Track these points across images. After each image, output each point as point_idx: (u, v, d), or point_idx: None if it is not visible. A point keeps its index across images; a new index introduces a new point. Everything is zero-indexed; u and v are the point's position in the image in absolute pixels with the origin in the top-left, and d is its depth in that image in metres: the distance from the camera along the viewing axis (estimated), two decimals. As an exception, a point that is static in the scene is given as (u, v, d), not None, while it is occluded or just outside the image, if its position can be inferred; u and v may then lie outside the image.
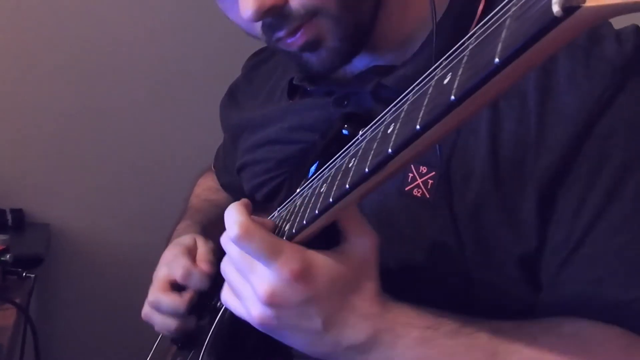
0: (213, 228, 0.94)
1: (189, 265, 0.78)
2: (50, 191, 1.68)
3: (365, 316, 0.55)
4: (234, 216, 0.55)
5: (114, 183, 1.74)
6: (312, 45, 0.64)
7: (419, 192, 0.64)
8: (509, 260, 0.62)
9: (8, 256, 1.26)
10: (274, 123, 0.82)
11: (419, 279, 0.65)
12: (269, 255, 0.53)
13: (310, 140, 0.75)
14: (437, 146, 0.62)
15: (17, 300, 1.21)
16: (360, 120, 0.63)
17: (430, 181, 0.63)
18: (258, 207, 0.87)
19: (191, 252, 0.81)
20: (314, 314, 0.54)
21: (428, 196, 0.63)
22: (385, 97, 0.68)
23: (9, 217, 1.60)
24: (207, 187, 1.10)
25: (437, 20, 0.66)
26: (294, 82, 0.79)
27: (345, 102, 0.72)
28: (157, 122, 1.75)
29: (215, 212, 1.01)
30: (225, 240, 0.57)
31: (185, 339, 0.82)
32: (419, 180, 0.64)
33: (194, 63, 1.75)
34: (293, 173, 0.74)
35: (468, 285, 0.64)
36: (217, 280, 0.86)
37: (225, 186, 1.06)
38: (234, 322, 0.71)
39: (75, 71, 1.66)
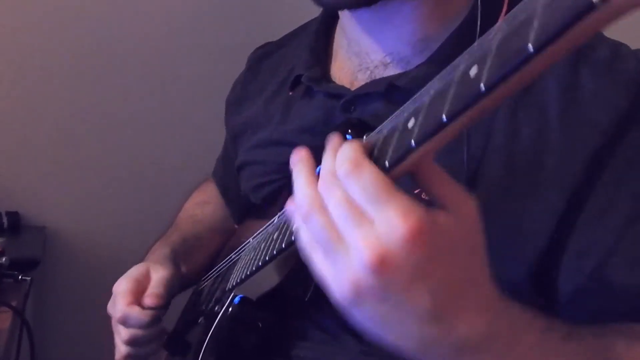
0: (188, 246, 0.97)
1: (124, 309, 0.81)
2: (46, 194, 1.68)
3: (484, 308, 0.45)
4: (346, 152, 0.45)
5: (110, 186, 1.73)
6: None
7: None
8: (516, 265, 0.62)
9: (4, 259, 1.25)
10: (276, 124, 0.82)
11: None
12: (385, 196, 0.42)
13: (312, 144, 0.75)
14: (467, 146, 0.62)
15: (13, 304, 1.20)
16: (365, 126, 0.63)
17: None
18: (255, 211, 0.87)
19: (140, 285, 0.83)
20: (426, 290, 0.42)
21: None
22: (397, 99, 0.68)
23: (5, 219, 1.59)
24: (197, 201, 1.11)
25: (459, 24, 0.67)
26: (302, 80, 0.78)
27: (353, 107, 0.72)
28: (154, 125, 1.75)
29: (193, 228, 1.02)
30: (325, 185, 0.45)
31: (177, 345, 0.82)
32: None
33: (192, 68, 1.74)
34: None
35: None
36: (210, 287, 0.86)
37: (223, 189, 1.06)
38: (234, 326, 0.72)
39: (72, 74, 1.66)
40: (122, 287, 0.83)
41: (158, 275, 0.84)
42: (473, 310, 0.45)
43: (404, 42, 0.70)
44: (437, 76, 0.43)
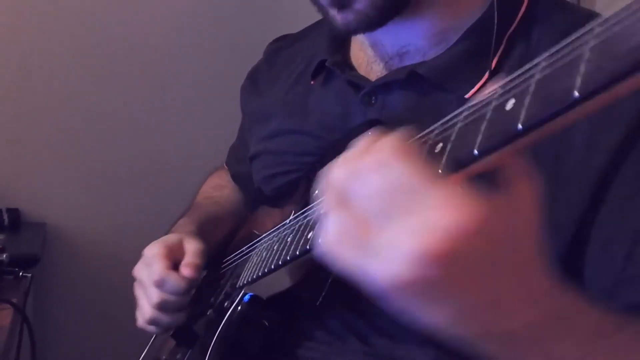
0: (210, 226, 0.95)
1: (162, 270, 0.77)
2: (47, 191, 1.68)
3: (539, 294, 0.42)
4: (389, 139, 0.40)
5: (110, 183, 1.73)
6: (341, 1, 0.65)
7: None
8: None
9: (4, 256, 1.25)
10: (292, 113, 0.81)
11: None
12: (436, 184, 0.37)
13: (329, 137, 0.74)
14: None
15: (14, 300, 1.20)
16: (385, 127, 0.62)
17: None
18: (268, 201, 0.86)
19: (173, 252, 0.80)
20: (475, 285, 0.39)
21: None
22: (417, 88, 0.68)
23: (5, 216, 1.59)
24: (213, 184, 1.09)
25: (478, 18, 0.67)
26: (326, 64, 0.77)
27: (373, 99, 0.71)
28: (155, 122, 1.75)
29: (213, 209, 1.01)
30: (367, 168, 0.39)
31: (183, 334, 0.82)
32: None
33: (194, 66, 1.74)
34: (310, 174, 0.73)
35: None
36: (219, 277, 0.86)
37: (235, 177, 1.05)
38: (242, 325, 0.71)
39: (73, 71, 1.66)
40: (155, 250, 0.80)
41: (194, 246, 0.81)
42: (526, 300, 0.42)
43: (419, 36, 0.70)
44: (469, 105, 0.41)
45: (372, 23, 0.66)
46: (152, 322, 0.81)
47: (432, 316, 0.41)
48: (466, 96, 0.64)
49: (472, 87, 0.64)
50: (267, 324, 0.70)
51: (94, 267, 1.75)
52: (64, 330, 1.74)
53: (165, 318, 0.80)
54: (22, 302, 1.24)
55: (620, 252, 0.59)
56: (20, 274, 1.27)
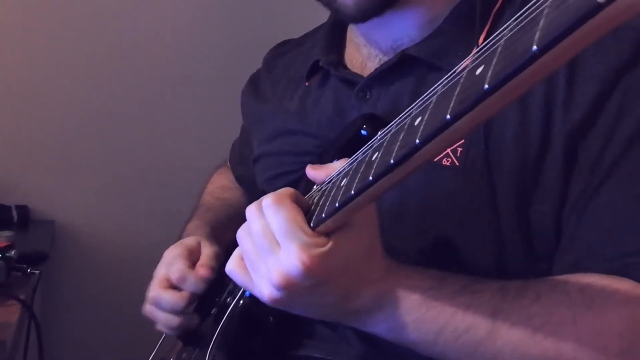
0: (222, 228, 0.95)
1: (184, 269, 0.78)
2: (56, 188, 1.69)
3: (371, 282, 0.57)
4: (279, 190, 0.56)
5: (119, 180, 1.74)
6: None
7: (448, 161, 0.64)
8: (541, 223, 0.62)
9: (13, 252, 1.25)
10: (291, 114, 0.82)
11: (451, 252, 0.65)
12: (291, 233, 0.52)
13: (327, 135, 0.75)
14: None
15: (22, 297, 1.20)
16: (380, 121, 0.63)
17: (460, 149, 0.63)
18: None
19: (192, 254, 0.81)
20: (328, 293, 0.56)
21: (458, 164, 0.63)
22: (410, 71, 0.69)
23: (14, 213, 1.60)
24: (220, 185, 1.09)
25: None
26: (320, 64, 0.79)
27: (368, 94, 0.72)
28: (162, 121, 1.76)
29: (226, 211, 1.01)
30: (252, 212, 0.56)
31: (190, 336, 0.82)
32: (448, 149, 0.64)
33: (200, 65, 1.75)
34: None
35: (498, 255, 0.64)
36: (224, 279, 0.86)
37: (239, 179, 1.05)
38: (245, 319, 0.71)
39: (82, 69, 1.67)
40: (176, 251, 0.81)
41: (211, 250, 0.83)
42: (363, 290, 0.57)
43: (412, 27, 0.71)
44: (446, 76, 0.43)
45: (370, 6, 0.67)
46: (148, 313, 0.81)
47: (303, 312, 0.60)
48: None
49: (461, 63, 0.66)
50: (271, 318, 0.70)
51: (101, 264, 1.76)
52: (71, 327, 1.75)
53: (160, 315, 0.80)
54: (30, 299, 1.24)
55: (574, 213, 0.61)
56: (29, 270, 1.26)
